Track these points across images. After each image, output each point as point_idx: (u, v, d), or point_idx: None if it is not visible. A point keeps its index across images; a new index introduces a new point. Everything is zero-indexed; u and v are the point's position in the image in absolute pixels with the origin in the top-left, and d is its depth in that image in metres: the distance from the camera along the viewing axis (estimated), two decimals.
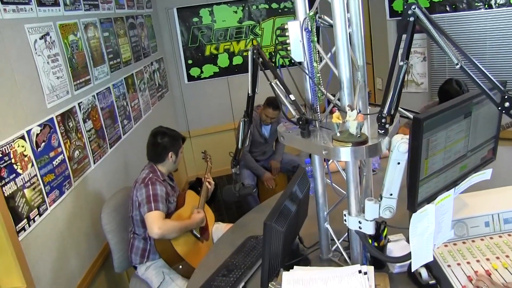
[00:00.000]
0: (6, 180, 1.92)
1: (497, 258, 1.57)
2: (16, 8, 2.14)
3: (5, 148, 1.93)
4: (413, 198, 1.37)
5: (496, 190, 1.83)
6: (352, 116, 1.48)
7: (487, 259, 1.57)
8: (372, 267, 1.60)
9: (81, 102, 2.71)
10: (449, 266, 1.56)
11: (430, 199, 1.42)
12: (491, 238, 1.69)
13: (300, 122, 1.59)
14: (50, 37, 2.43)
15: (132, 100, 3.71)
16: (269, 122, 4.16)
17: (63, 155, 2.42)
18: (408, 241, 1.81)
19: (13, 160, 1.98)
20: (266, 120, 4.14)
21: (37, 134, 2.20)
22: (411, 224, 1.37)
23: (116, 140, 3.25)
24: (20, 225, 1.98)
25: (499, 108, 1.28)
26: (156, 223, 2.31)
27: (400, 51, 1.38)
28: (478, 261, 1.57)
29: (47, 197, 2.23)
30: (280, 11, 5.44)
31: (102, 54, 3.15)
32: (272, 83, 1.71)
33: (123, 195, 2.72)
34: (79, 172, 2.59)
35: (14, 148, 2.00)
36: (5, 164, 1.93)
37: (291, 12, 5.46)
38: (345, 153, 1.46)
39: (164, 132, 2.68)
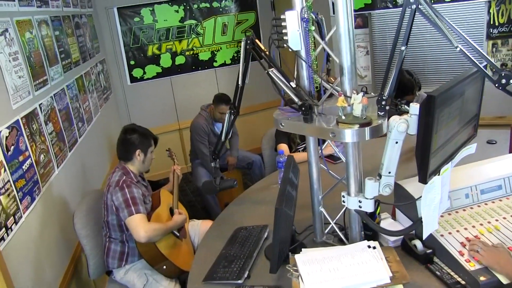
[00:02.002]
0: None
1: (481, 224, 1.75)
2: None
3: None
4: (425, 171, 1.46)
5: (470, 165, 2.00)
6: (357, 99, 1.56)
7: (473, 227, 1.74)
8: (377, 242, 1.69)
9: (41, 103, 2.56)
10: (442, 235, 1.70)
11: (435, 172, 1.53)
12: (471, 208, 1.86)
13: (303, 108, 1.63)
14: (9, 33, 2.28)
15: (83, 102, 3.55)
16: (224, 119, 4.15)
17: (31, 159, 2.28)
18: (393, 218, 1.96)
19: None
20: (221, 118, 4.12)
21: (6, 137, 2.05)
22: (423, 196, 1.47)
23: (74, 143, 3.10)
24: None
25: (496, 85, 1.40)
26: (142, 227, 2.24)
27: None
28: (466, 229, 1.73)
29: (21, 204, 2.09)
30: (221, 10, 5.46)
31: (55, 53, 2.99)
32: (269, 72, 1.73)
33: (93, 198, 2.61)
34: (46, 177, 2.45)
35: None
36: None
37: (232, 11, 5.51)
38: (352, 134, 1.52)
39: (134, 129, 2.60)
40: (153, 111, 5.37)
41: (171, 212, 2.63)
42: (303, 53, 1.73)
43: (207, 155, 4.10)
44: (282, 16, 1.69)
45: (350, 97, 1.62)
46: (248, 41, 1.84)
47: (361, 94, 1.56)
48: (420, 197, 1.62)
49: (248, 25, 5.65)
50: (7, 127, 2.07)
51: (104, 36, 4.97)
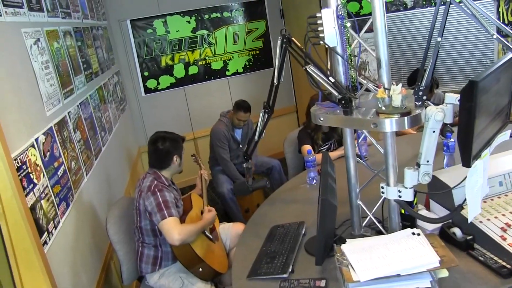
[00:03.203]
0: (27, 191, 1.80)
1: None
2: (13, 11, 2.02)
3: (22, 157, 1.81)
4: (468, 154, 1.48)
5: (501, 153, 2.03)
6: (397, 90, 1.60)
7: (511, 213, 1.76)
8: (419, 230, 1.70)
9: (69, 111, 2.59)
10: (480, 222, 1.73)
11: (476, 156, 1.54)
12: (506, 195, 1.90)
13: (343, 101, 1.65)
14: (41, 43, 2.31)
15: (104, 112, 3.58)
16: (241, 125, 4.20)
17: (64, 166, 2.30)
18: (427, 209, 1.99)
19: (29, 170, 1.86)
20: (239, 124, 4.16)
21: (43, 143, 2.08)
22: (467, 179, 1.50)
23: (99, 152, 3.12)
24: (42, 238, 1.86)
25: None
26: (175, 230, 2.25)
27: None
28: (503, 215, 1.76)
29: (58, 209, 2.10)
30: (231, 19, 5.52)
31: (78, 63, 3.03)
32: (307, 68, 1.75)
33: (124, 204, 2.62)
34: (77, 184, 2.47)
35: (28, 156, 1.88)
36: (24, 173, 1.80)
37: (243, 20, 5.57)
38: (392, 123, 1.55)
39: (164, 136, 2.62)
40: (167, 122, 5.40)
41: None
42: (339, 49, 1.76)
43: (228, 161, 4.12)
44: (317, 14, 1.73)
45: (389, 89, 1.66)
46: (284, 40, 1.86)
47: (400, 85, 1.61)
48: (456, 185, 1.66)
49: (258, 34, 5.70)
50: (44, 133, 2.10)
51: (118, 48, 5.03)
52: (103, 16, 4.49)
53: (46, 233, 1.90)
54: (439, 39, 1.53)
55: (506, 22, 4.17)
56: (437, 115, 1.51)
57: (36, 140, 2.00)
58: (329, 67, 1.80)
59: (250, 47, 5.71)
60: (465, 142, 1.49)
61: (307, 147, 3.08)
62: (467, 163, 1.51)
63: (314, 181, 2.69)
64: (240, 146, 4.33)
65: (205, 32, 5.41)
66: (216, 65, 5.58)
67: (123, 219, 2.52)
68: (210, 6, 5.37)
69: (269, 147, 5.31)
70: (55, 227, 2.02)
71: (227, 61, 5.62)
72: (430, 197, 2.01)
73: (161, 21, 5.16)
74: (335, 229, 1.99)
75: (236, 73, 5.72)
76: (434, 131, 1.54)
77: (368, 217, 1.95)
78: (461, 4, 1.48)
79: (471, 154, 1.49)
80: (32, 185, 1.85)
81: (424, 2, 4.26)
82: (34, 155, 1.95)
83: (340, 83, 1.78)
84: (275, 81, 2.02)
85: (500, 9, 4.15)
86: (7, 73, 1.86)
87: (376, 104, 1.64)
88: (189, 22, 5.29)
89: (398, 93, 1.59)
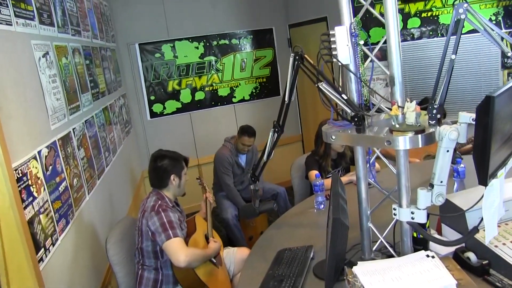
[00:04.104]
0: (26, 203, 1.74)
1: None
2: (24, 22, 2.01)
3: (23, 168, 1.76)
4: (485, 172, 1.42)
5: None
6: (411, 107, 1.56)
7: None
8: (433, 252, 1.62)
9: (74, 128, 2.55)
10: (496, 246, 1.65)
11: (492, 175, 1.48)
12: None
13: (356, 119, 1.61)
14: (49, 56, 2.29)
15: (109, 133, 3.54)
16: (246, 150, 4.15)
17: (66, 182, 2.24)
18: (439, 233, 1.93)
19: (30, 182, 1.80)
20: (243, 149, 4.12)
21: (46, 157, 2.03)
22: (484, 199, 1.45)
23: (102, 172, 3.06)
24: (39, 254, 1.78)
25: None
26: (182, 251, 2.17)
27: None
28: None
29: (57, 225, 2.03)
30: (239, 46, 5.55)
31: (86, 81, 3.01)
32: (320, 86, 1.71)
33: (125, 225, 2.55)
34: (78, 202, 2.40)
35: (30, 168, 1.82)
36: (24, 185, 1.75)
37: (251, 48, 5.60)
38: (405, 141, 1.50)
39: (164, 154, 2.57)
40: (172, 147, 5.24)
41: (206, 240, 2.55)
42: (352, 67, 1.73)
43: (231, 187, 4.05)
44: (331, 32, 1.70)
45: (403, 107, 1.62)
46: (297, 57, 1.82)
47: (414, 102, 1.57)
48: (471, 207, 1.60)
49: (266, 62, 5.73)
50: (47, 147, 2.05)
51: (126, 71, 5.04)
52: (112, 38, 4.52)
53: (43, 249, 1.83)
54: (453, 56, 1.51)
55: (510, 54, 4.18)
56: (451, 134, 1.47)
57: (39, 152, 1.95)
58: (341, 84, 1.77)
59: (257, 74, 5.71)
60: (482, 160, 1.44)
61: (315, 172, 3.02)
62: (483, 181, 1.45)
63: (322, 205, 2.61)
64: (245, 171, 4.28)
65: (213, 58, 5.43)
66: (223, 92, 5.57)
67: (125, 240, 2.44)
68: (218, 32, 5.41)
69: (274, 176, 5.25)
70: (53, 244, 1.95)
71: (234, 88, 5.62)
72: (442, 221, 1.94)
73: (169, 45, 5.18)
74: (345, 253, 1.91)
75: (243, 100, 5.71)
76: (448, 151, 1.49)
77: (379, 241, 1.87)
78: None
79: (488, 172, 1.44)
80: (31, 198, 1.79)
81: (431, 33, 4.27)
82: (36, 168, 1.89)
83: (352, 101, 1.74)
84: (286, 99, 1.97)
85: (504, 41, 4.16)
86: (14, 82, 1.82)
87: (389, 123, 1.60)
88: (197, 47, 5.32)
89: (412, 110, 1.56)
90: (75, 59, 2.81)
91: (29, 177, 1.79)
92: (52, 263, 1.90)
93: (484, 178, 1.44)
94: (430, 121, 1.57)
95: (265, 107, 5.73)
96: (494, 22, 4.03)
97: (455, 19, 1.47)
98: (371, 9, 1.74)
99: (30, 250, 1.68)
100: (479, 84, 4.28)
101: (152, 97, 5.23)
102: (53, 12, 2.46)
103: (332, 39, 1.71)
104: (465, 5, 1.44)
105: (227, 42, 5.46)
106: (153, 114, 5.27)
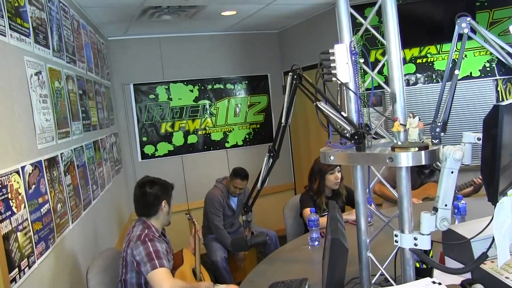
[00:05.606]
0: (3, 217, 1.62)
1: None
2: (19, 37, 1.97)
3: (4, 179, 1.66)
4: (495, 188, 1.34)
5: None
6: (413, 123, 1.51)
7: None
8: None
9: (62, 153, 2.46)
10: (507, 278, 1.55)
11: (502, 193, 1.41)
12: None
13: (356, 137, 1.55)
14: (42, 76, 2.25)
15: (98, 167, 3.45)
16: (237, 193, 4.05)
17: (49, 205, 2.13)
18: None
19: (9, 195, 1.70)
20: (235, 192, 4.03)
21: (29, 174, 1.93)
22: (494, 219, 1.35)
23: (88, 203, 2.95)
24: (12, 274, 1.64)
25: None
26: (167, 281, 2.04)
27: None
28: None
29: (36, 247, 1.90)
30: (234, 91, 5.58)
31: (77, 110, 2.96)
32: (318, 105, 1.66)
33: (108, 256, 2.41)
34: (61, 228, 2.27)
35: (11, 181, 1.72)
36: (3, 197, 1.64)
37: (245, 93, 5.63)
38: (408, 157, 1.43)
39: (153, 181, 2.49)
40: None
41: (194, 274, 2.41)
42: (351, 86, 1.70)
43: (221, 229, 3.92)
44: (330, 50, 1.68)
45: (404, 125, 1.57)
46: (295, 76, 1.79)
47: (417, 118, 1.52)
48: (476, 235, 1.49)
49: (260, 108, 5.74)
50: (31, 164, 1.96)
51: (119, 110, 5.00)
52: (107, 76, 4.52)
53: (17, 269, 1.69)
54: (457, 71, 1.48)
55: (505, 100, 4.23)
56: (455, 154, 1.40)
57: (23, 168, 1.85)
58: (339, 102, 1.72)
59: (251, 120, 5.71)
60: (491, 175, 1.37)
61: (309, 211, 2.93)
62: (493, 198, 1.37)
63: (317, 242, 2.50)
64: (235, 214, 4.16)
65: (207, 102, 5.43)
66: (216, 136, 5.54)
67: (107, 271, 2.29)
68: (214, 77, 5.45)
69: (265, 222, 5.11)
70: (29, 266, 1.81)
71: (227, 133, 5.59)
72: (445, 253, 1.84)
73: (164, 87, 5.20)
74: (344, 285, 1.79)
75: (236, 145, 5.66)
76: (452, 172, 1.41)
77: (379, 273, 1.75)
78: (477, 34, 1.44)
79: (498, 188, 1.36)
80: (10, 212, 1.68)
81: (426, 79, 4.32)
82: (18, 183, 1.79)
83: (352, 120, 1.69)
84: (283, 121, 1.92)
85: (499, 88, 4.22)
86: (2, 92, 1.76)
87: (390, 145, 1.54)
88: (192, 91, 5.34)
89: (414, 127, 1.50)
90: (68, 86, 2.77)
91: (9, 190, 1.69)
92: (26, 287, 1.75)
93: (494, 195, 1.37)
94: (433, 140, 1.52)
95: (259, 153, 5.67)
96: (488, 69, 4.10)
97: (457, 34, 1.45)
98: (371, 28, 1.73)
99: (2, 267, 1.55)
100: (477, 111, 4.30)
101: (144, 138, 5.17)
102: (49, 34, 2.44)
103: (331, 57, 1.69)
104: (468, 19, 1.43)
105: (221, 86, 5.49)
106: (144, 156, 5.19)
